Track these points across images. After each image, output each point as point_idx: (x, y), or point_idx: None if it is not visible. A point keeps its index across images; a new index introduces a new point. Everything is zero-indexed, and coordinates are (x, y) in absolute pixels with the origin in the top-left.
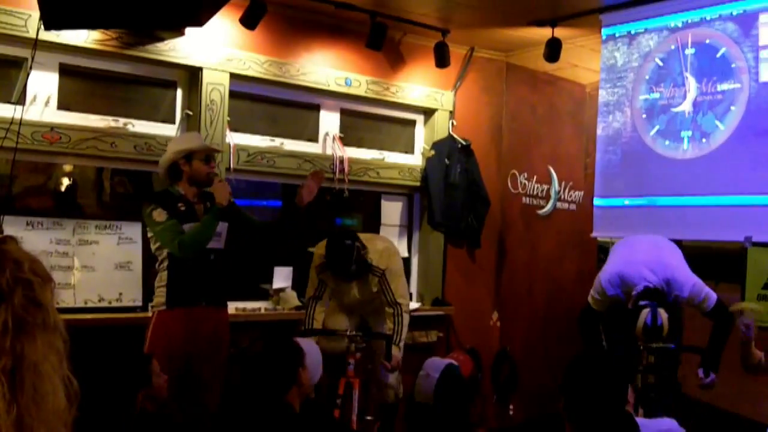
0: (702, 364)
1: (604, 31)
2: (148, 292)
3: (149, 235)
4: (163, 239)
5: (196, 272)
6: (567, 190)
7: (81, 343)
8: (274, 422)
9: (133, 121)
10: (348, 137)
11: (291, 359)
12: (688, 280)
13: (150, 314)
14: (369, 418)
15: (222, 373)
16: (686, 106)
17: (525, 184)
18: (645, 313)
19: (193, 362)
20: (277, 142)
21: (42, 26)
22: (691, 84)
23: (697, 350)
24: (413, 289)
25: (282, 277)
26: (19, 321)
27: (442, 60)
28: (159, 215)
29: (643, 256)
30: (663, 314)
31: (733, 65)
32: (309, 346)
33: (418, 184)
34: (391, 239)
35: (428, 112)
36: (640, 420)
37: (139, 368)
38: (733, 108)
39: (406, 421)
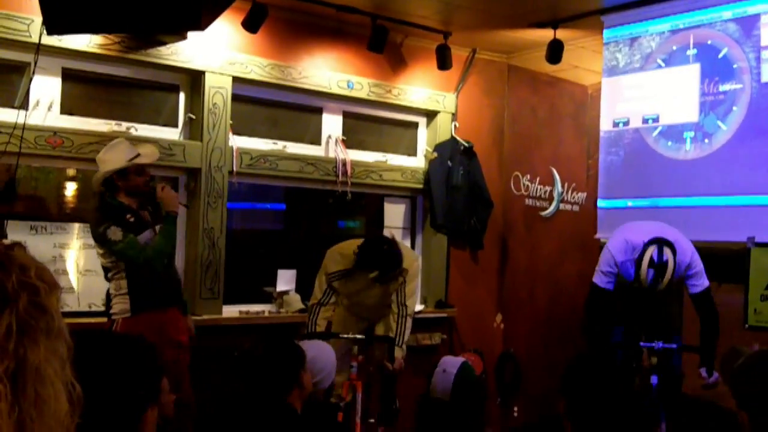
0: (703, 363)
1: (606, 33)
2: None
3: (100, 251)
4: (131, 255)
5: (154, 277)
6: (569, 192)
7: (88, 346)
8: (276, 424)
9: (136, 125)
10: (350, 140)
11: (292, 361)
12: (689, 248)
13: (109, 322)
14: (372, 420)
15: (188, 369)
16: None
17: (528, 185)
18: (651, 249)
19: (163, 363)
20: (280, 145)
21: (44, 31)
22: None
23: (696, 349)
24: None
25: (285, 280)
26: (23, 325)
27: (443, 62)
28: (114, 234)
29: (646, 227)
30: (669, 252)
31: (734, 66)
32: (321, 348)
33: (420, 186)
34: None
35: (430, 115)
36: None
37: (151, 383)
38: (735, 108)
39: (419, 420)
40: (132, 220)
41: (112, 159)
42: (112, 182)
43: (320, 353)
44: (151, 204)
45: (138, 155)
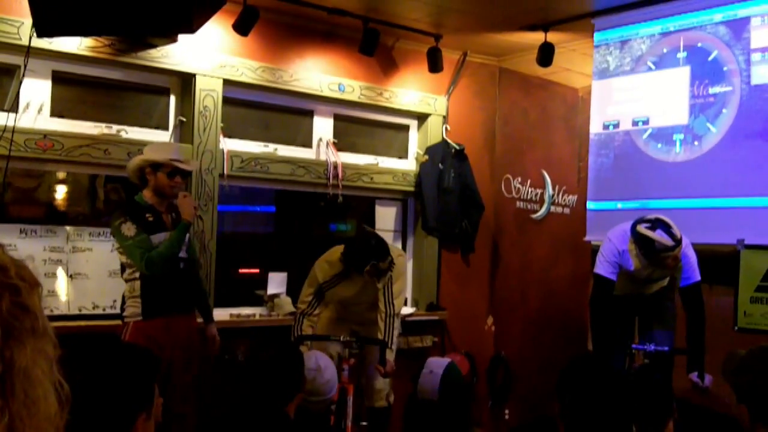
0: (693, 368)
1: (597, 36)
2: None
3: (116, 246)
4: (132, 255)
5: (168, 282)
6: (561, 194)
7: (78, 350)
8: (271, 430)
9: (127, 128)
10: (341, 143)
11: (297, 367)
12: (684, 239)
13: (122, 324)
14: (363, 423)
15: (195, 379)
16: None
17: (519, 188)
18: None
19: (171, 370)
20: (271, 148)
21: (34, 33)
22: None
23: (687, 352)
24: (408, 294)
25: (276, 283)
26: (8, 327)
27: (434, 65)
28: (128, 229)
29: None
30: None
31: (724, 68)
32: (324, 360)
33: (412, 189)
34: None
35: (421, 117)
36: None
37: (141, 390)
38: (724, 111)
39: (406, 421)
40: (151, 219)
41: (154, 151)
42: (144, 175)
43: (328, 363)
44: (175, 210)
45: (180, 160)
